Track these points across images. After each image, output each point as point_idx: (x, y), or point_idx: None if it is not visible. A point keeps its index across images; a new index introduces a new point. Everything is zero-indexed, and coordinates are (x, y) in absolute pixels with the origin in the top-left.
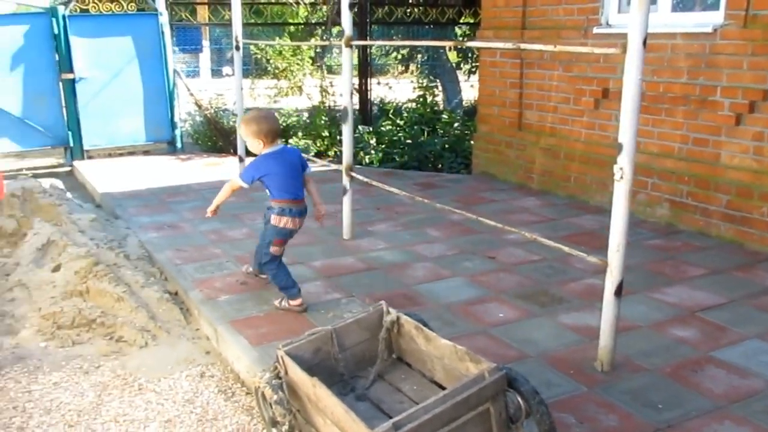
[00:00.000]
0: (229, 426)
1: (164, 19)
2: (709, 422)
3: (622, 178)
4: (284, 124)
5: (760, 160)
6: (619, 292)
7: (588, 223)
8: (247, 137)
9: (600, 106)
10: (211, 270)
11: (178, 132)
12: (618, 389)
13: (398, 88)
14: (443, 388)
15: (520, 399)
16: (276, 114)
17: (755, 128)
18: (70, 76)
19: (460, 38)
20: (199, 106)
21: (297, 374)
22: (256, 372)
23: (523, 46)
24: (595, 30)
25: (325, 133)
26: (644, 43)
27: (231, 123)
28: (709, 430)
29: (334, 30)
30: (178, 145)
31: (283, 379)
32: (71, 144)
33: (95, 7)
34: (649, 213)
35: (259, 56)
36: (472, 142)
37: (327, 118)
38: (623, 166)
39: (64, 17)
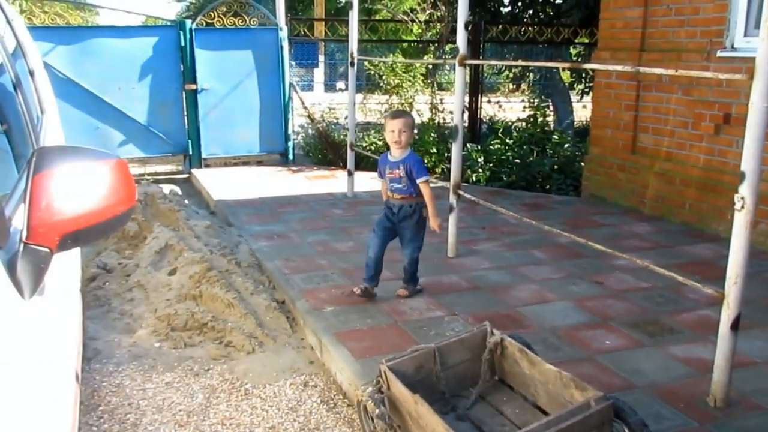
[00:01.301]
0: None
1: (284, 33)
2: None
3: (743, 207)
4: None
5: None
6: (735, 325)
7: (703, 252)
8: (409, 129)
9: (720, 131)
10: (318, 281)
11: (290, 144)
12: (732, 427)
13: (508, 107)
14: (546, 414)
15: (627, 431)
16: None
17: None
18: (192, 87)
19: (575, 58)
20: (312, 120)
21: (399, 390)
22: (358, 384)
23: (642, 69)
24: (719, 53)
25: (433, 150)
26: None
27: (342, 137)
28: None
29: (447, 47)
30: (290, 157)
31: (385, 394)
32: (190, 152)
33: (220, 21)
34: None
35: (372, 72)
36: (582, 163)
37: (435, 135)
38: (744, 195)
39: (190, 30)
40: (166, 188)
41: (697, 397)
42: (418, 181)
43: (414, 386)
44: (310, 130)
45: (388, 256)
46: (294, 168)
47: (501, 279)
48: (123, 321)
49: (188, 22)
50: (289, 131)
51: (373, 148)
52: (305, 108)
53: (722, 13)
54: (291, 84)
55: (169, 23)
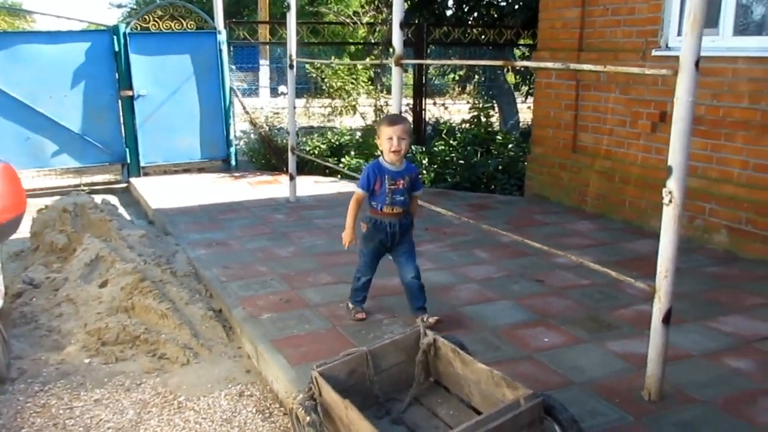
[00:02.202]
0: None
1: (222, 37)
2: None
3: (671, 202)
4: (337, 143)
5: None
6: (667, 319)
7: (642, 248)
8: (408, 136)
9: (657, 129)
10: (256, 288)
11: (233, 150)
12: (666, 420)
13: (455, 109)
14: (480, 414)
15: (557, 427)
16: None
17: None
18: (129, 93)
19: (519, 59)
20: (254, 124)
21: (330, 396)
22: (293, 392)
23: (573, 66)
24: (654, 53)
25: (378, 153)
26: (697, 64)
27: (284, 141)
28: None
29: (391, 50)
30: (233, 162)
31: (317, 401)
32: (128, 160)
33: (155, 26)
34: (707, 239)
35: (314, 75)
36: (526, 163)
37: None
38: (672, 189)
39: (125, 35)
40: (98, 198)
41: (632, 391)
42: (416, 193)
43: (347, 391)
44: (252, 135)
45: (328, 260)
46: (237, 174)
47: (443, 279)
48: (51, 338)
49: (122, 26)
50: (231, 137)
51: (316, 152)
52: (247, 113)
53: (657, 13)
54: (232, 88)
55: (104, 28)
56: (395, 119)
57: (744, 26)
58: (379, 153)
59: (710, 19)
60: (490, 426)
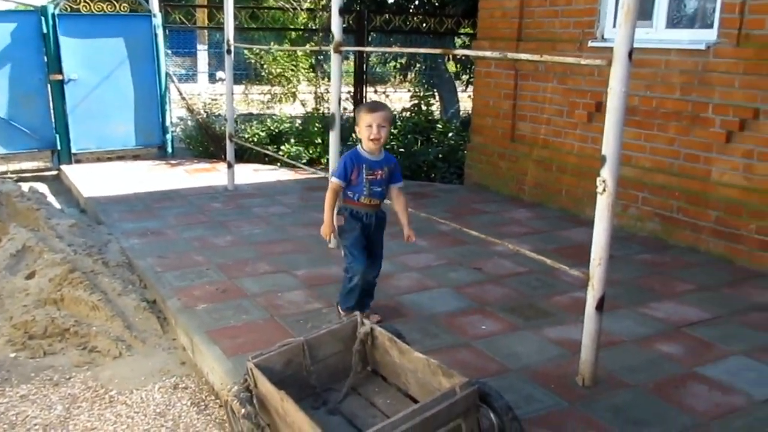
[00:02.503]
0: None
1: (158, 21)
2: None
3: (604, 191)
4: (277, 130)
5: (750, 177)
6: (600, 306)
7: (578, 236)
8: (389, 124)
9: (593, 119)
10: (192, 278)
11: (169, 136)
12: (599, 405)
13: (396, 97)
14: (417, 403)
15: (493, 415)
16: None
17: (745, 146)
18: (58, 77)
19: (459, 48)
20: (191, 111)
21: (266, 387)
22: (229, 384)
23: (511, 55)
24: (591, 43)
25: (318, 140)
26: (630, 55)
27: (222, 128)
28: None
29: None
30: (169, 150)
31: (253, 392)
32: (59, 147)
33: (86, 7)
34: (640, 227)
35: (253, 61)
36: (465, 152)
37: (321, 126)
38: (606, 178)
39: (53, 16)
40: (26, 186)
41: (567, 377)
42: (397, 186)
43: (283, 382)
44: (190, 122)
45: (267, 249)
46: (173, 161)
47: (382, 268)
48: None
49: (51, 6)
50: (167, 123)
51: (255, 140)
52: (183, 98)
53: (593, 4)
54: (168, 74)
55: (31, 8)
56: (375, 106)
57: (677, 19)
58: (318, 141)
59: (644, 12)
60: (426, 415)
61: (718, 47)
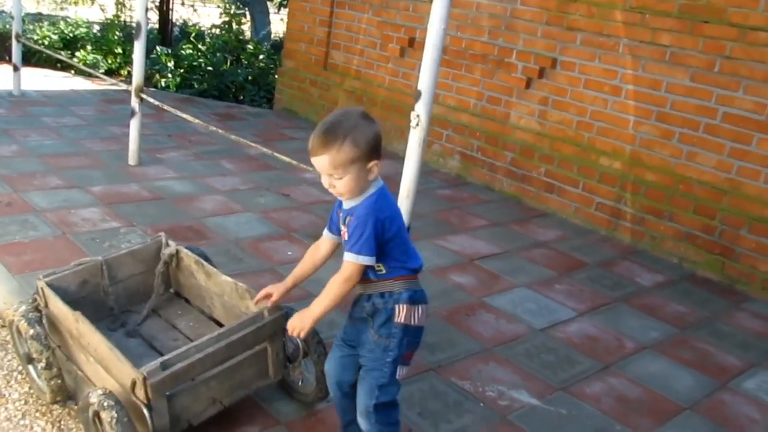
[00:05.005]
0: None
1: None
2: (476, 363)
3: (418, 125)
4: (71, 35)
5: (543, 123)
6: None
7: (383, 170)
8: (344, 165)
9: (405, 54)
10: None
11: None
12: None
13: (205, 13)
14: (222, 326)
15: (298, 339)
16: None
17: (542, 93)
18: None
19: None
20: None
21: (58, 307)
22: (14, 303)
23: None
24: None
25: (119, 50)
26: None
27: (7, 27)
28: (475, 371)
29: None
30: None
31: (42, 313)
32: None
33: None
34: (442, 164)
35: None
36: (276, 76)
37: (122, 34)
38: (420, 113)
39: None
40: None
41: None
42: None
43: (78, 303)
44: None
45: (58, 163)
46: None
47: (186, 189)
48: None
49: None
50: None
51: (46, 43)
52: None
53: None
54: None
55: None
56: (315, 143)
57: None
58: (119, 51)
59: None
60: (232, 338)
61: None
